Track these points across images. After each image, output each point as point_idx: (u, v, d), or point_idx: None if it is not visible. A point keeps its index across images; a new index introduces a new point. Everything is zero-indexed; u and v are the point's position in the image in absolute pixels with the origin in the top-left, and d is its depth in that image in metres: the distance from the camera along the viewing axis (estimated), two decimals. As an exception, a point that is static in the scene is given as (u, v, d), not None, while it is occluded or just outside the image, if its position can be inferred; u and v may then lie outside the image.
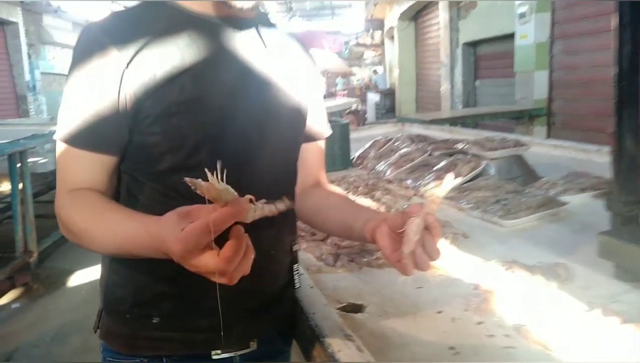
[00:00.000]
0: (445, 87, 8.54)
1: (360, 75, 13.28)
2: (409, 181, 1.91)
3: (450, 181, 0.73)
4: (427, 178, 1.86)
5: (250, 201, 0.60)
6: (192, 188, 0.56)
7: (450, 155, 2.03)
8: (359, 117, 8.14)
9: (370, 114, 10.57)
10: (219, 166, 0.57)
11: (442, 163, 1.94)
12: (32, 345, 2.73)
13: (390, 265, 0.74)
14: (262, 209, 0.62)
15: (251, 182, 0.82)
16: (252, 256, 0.61)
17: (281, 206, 0.64)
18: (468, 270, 1.13)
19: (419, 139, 2.50)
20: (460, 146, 2.06)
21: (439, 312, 0.96)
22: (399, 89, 10.69)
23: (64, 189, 0.76)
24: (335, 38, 13.19)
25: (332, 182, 1.92)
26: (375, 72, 12.68)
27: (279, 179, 0.87)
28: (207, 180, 0.56)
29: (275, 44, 0.89)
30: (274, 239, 0.86)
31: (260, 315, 0.87)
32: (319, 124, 1.00)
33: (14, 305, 3.25)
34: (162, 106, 0.74)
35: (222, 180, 0.57)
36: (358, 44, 13.61)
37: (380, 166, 2.21)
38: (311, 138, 0.99)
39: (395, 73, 10.90)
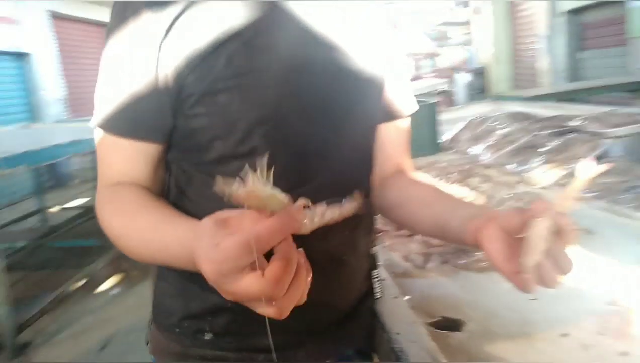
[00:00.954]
0: (544, 62, 7.79)
1: (447, 55, 12.60)
2: (511, 166, 1.65)
3: (592, 167, 0.52)
4: (533, 161, 1.59)
5: (306, 207, 0.45)
6: (225, 198, 0.42)
7: (561, 134, 1.73)
8: (448, 98, 7.69)
9: (460, 96, 9.99)
10: (265, 163, 0.43)
11: (552, 144, 1.66)
12: (128, 331, 2.84)
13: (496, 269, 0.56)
14: (321, 216, 0.47)
15: (316, 173, 0.67)
16: (309, 278, 0.46)
17: (347, 208, 0.48)
18: (598, 278, 0.89)
19: (521, 118, 2.20)
20: (574, 123, 1.75)
21: (564, 335, 0.74)
22: (491, 67, 9.98)
23: (104, 184, 0.66)
24: (419, 17, 12.63)
25: (418, 169, 1.73)
26: (465, 50, 11.98)
27: (351, 169, 0.71)
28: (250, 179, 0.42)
29: (345, 2, 0.72)
30: (347, 241, 0.71)
31: (332, 333, 0.72)
32: (400, 98, 0.81)
33: (113, 292, 3.43)
34: (206, 81, 0.61)
35: (268, 178, 0.43)
36: (444, 23, 12.92)
37: (476, 150, 1.96)
38: (392, 116, 0.81)
39: (486, 51, 10.19)
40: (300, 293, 0.45)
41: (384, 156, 0.82)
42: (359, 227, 0.74)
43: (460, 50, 12.15)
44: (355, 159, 0.72)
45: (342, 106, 0.68)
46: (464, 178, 1.59)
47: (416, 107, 0.87)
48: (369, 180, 0.76)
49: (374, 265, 0.80)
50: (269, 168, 0.43)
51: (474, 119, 2.28)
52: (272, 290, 0.42)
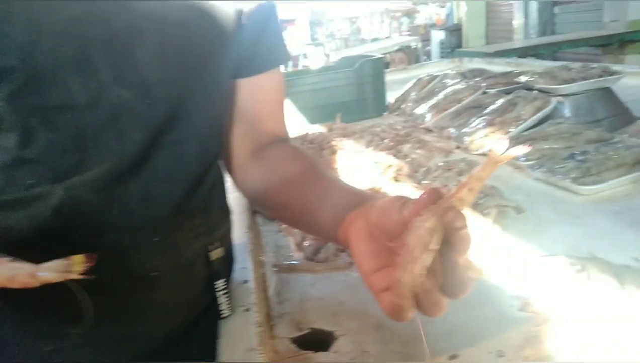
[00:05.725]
0: (518, 18, 7.56)
1: (426, 13, 12.27)
2: (452, 130, 1.47)
3: (505, 149, 0.39)
4: (473, 124, 1.41)
5: None
6: None
7: (510, 93, 1.54)
8: (410, 55, 7.46)
9: (434, 54, 9.73)
10: None
11: (498, 103, 1.47)
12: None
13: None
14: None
15: (105, 156, 0.48)
16: None
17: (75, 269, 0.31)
18: (514, 272, 0.72)
19: (472, 75, 2.00)
20: (523, 78, 1.56)
21: (453, 358, 0.57)
22: (466, 24, 9.69)
23: None
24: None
25: (353, 134, 1.52)
26: (442, 7, 11.65)
27: (169, 150, 0.51)
28: None
29: None
30: (157, 249, 0.51)
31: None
32: (265, 45, 0.61)
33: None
34: None
35: None
36: (422, -21, 12.50)
37: (420, 111, 1.76)
38: (253, 69, 0.61)
39: (463, 7, 9.88)
40: None
41: (245, 124, 0.63)
42: (188, 224, 0.55)
43: (439, 7, 11.83)
44: (188, 134, 0.52)
45: (151, 50, 0.47)
46: (397, 144, 1.40)
47: (288, 58, 0.68)
48: (213, 162, 0.58)
49: (218, 273, 0.61)
50: None
51: (423, 76, 2.08)
52: None
